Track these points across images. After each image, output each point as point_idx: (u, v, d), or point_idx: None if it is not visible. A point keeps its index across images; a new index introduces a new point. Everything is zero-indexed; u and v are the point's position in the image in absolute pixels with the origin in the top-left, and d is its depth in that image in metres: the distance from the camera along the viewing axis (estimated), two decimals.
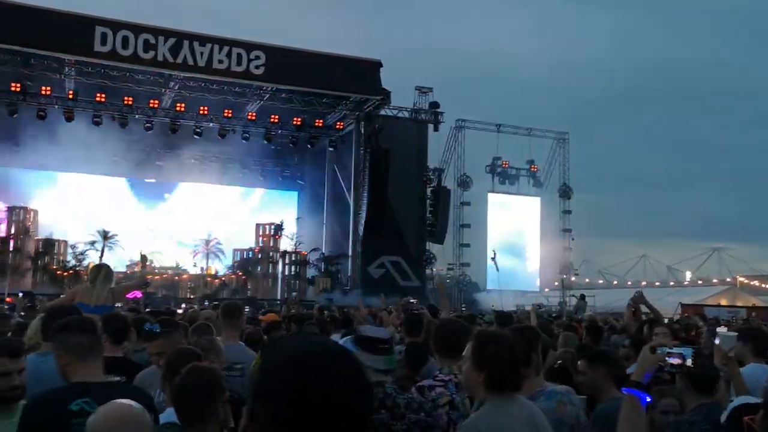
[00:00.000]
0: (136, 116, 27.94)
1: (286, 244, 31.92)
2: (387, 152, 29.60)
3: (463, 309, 20.11)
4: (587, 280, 51.89)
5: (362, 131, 30.22)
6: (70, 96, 26.74)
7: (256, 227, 32.82)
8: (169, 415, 3.02)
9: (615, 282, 60.06)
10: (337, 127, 31.00)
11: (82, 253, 28.78)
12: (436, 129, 33.77)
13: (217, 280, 31.00)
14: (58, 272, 27.86)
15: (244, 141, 29.79)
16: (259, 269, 31.22)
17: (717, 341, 4.45)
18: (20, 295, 19.89)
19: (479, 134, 38.28)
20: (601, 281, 59.33)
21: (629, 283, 54.89)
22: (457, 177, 37.37)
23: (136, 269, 26.54)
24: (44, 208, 29.87)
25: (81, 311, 4.93)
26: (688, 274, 64.62)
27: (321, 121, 30.39)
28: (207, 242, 32.51)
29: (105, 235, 29.25)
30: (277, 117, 29.50)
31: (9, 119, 26.78)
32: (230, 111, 28.50)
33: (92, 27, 24.27)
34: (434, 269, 35.35)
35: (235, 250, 32.56)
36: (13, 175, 30.15)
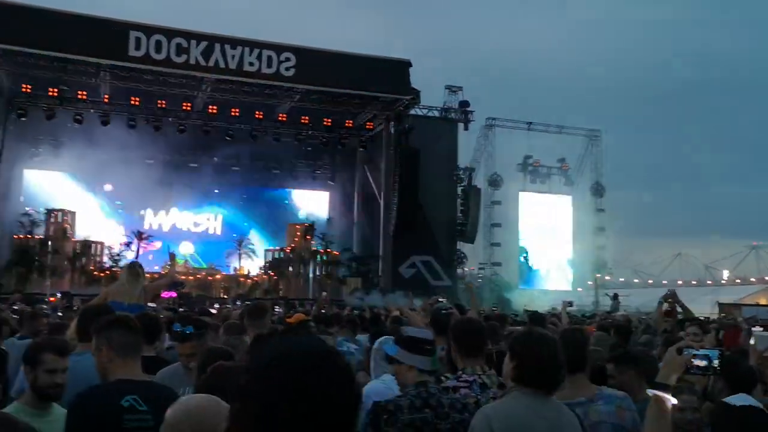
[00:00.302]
0: (170, 119, 28.45)
1: (317, 244, 32.17)
2: (417, 152, 29.61)
3: (494, 309, 19.96)
4: (622, 279, 51.10)
5: (392, 131, 30.26)
6: (106, 100, 27.32)
7: (287, 228, 33.13)
8: None
9: (650, 281, 59.06)
10: (367, 127, 31.08)
11: (118, 254, 29.37)
12: (466, 128, 33.70)
13: (249, 280, 31.32)
14: (95, 273, 28.45)
15: (275, 142, 30.11)
16: (290, 269, 31.46)
17: (752, 341, 4.37)
18: (58, 295, 20.46)
19: (510, 132, 38.06)
20: (636, 280, 58.41)
21: (665, 282, 53.88)
22: (487, 176, 37.22)
23: (168, 266, 26.97)
24: (81, 210, 30.55)
25: (114, 311, 5.03)
26: (726, 273, 63.26)
27: (351, 121, 30.53)
28: (239, 242, 32.88)
29: (140, 236, 29.76)
30: (307, 118, 29.76)
31: (47, 123, 27.48)
32: (261, 113, 28.83)
33: (126, 32, 24.72)
34: (465, 269, 35.26)
35: (266, 251, 32.89)
36: (51, 178, 30.98)
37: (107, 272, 27.96)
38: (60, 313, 9.88)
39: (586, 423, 3.26)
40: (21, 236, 28.20)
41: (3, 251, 27.74)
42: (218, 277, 31.07)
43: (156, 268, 26.40)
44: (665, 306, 8.12)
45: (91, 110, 27.54)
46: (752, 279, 56.39)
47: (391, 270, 30.16)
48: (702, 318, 10.98)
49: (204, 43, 25.55)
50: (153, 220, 33.17)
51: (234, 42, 26.17)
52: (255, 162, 33.27)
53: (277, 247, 32.75)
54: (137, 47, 24.61)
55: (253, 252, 33.24)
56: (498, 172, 37.47)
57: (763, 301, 37.33)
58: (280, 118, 29.38)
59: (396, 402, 3.15)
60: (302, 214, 34.83)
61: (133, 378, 3.04)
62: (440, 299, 13.43)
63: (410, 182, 29.32)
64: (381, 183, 31.19)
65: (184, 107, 27.98)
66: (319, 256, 31.68)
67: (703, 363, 2.47)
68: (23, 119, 27.39)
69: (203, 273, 30.93)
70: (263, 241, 34.02)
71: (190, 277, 29.48)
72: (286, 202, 36.03)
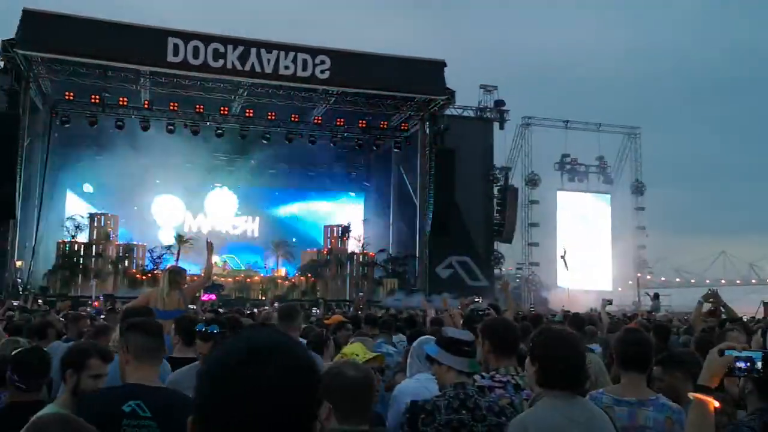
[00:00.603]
0: (207, 123, 28.89)
1: (353, 245, 32.29)
2: (453, 152, 29.49)
3: (532, 309, 19.80)
4: (663, 278, 50.03)
5: (427, 132, 30.22)
6: (146, 106, 27.90)
7: (324, 229, 33.36)
8: None
9: (693, 280, 57.74)
10: (402, 128, 31.10)
11: (159, 257, 29.90)
12: (501, 127, 33.45)
13: (287, 282, 31.58)
14: (137, 276, 29.02)
15: (310, 144, 30.35)
16: (327, 271, 31.64)
17: None
18: (101, 298, 20.98)
19: (546, 131, 37.69)
20: (678, 279, 57.19)
21: (707, 281, 52.60)
22: (524, 175, 36.94)
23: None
24: (124, 214, 31.21)
25: (155, 314, 5.12)
26: None
27: (386, 122, 30.60)
28: (277, 245, 33.18)
29: (180, 239, 30.27)
30: (342, 120, 29.94)
31: (89, 129, 28.16)
32: (297, 116, 29.11)
33: (165, 39, 25.20)
34: (503, 269, 35.00)
35: (303, 252, 33.13)
36: (95, 182, 31.72)
37: (149, 275, 28.49)
38: (103, 316, 10.10)
39: (629, 424, 3.20)
40: (66, 240, 28.94)
41: (49, 255, 28.51)
42: (256, 279, 31.40)
43: (196, 270, 26.80)
44: (708, 306, 7.94)
45: (132, 116, 28.15)
46: None
47: (428, 271, 30.12)
48: (746, 318, 10.72)
49: (240, 48, 25.88)
50: (192, 222, 33.74)
51: (269, 46, 26.45)
52: (291, 164, 33.56)
53: (314, 249, 32.99)
54: (175, 53, 25.05)
55: (290, 254, 33.52)
56: (535, 171, 37.17)
57: None
58: (315, 121, 29.61)
59: (434, 402, 3.16)
60: (338, 215, 34.99)
61: (144, 383, 3.03)
62: (476, 299, 13.38)
63: (446, 182, 29.22)
64: (416, 184, 31.18)
65: (221, 111, 28.41)
66: (355, 258, 31.81)
67: (745, 365, 2.41)
68: (67, 126, 28.10)
69: (242, 275, 31.29)
70: (300, 244, 34.27)
71: (229, 279, 29.88)
72: (323, 203, 36.25)
